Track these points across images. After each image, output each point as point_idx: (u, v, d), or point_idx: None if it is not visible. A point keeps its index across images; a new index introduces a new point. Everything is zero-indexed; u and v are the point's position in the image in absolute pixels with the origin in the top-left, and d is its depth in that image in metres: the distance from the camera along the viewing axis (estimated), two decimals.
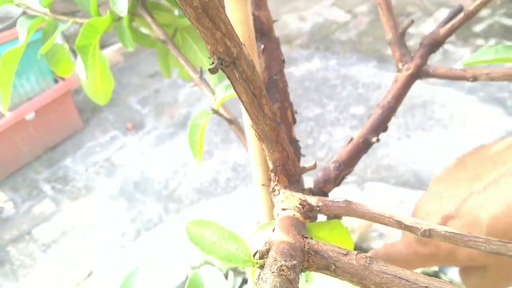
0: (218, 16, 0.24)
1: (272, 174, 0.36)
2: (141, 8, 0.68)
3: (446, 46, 2.17)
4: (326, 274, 0.25)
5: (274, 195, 0.36)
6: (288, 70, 2.18)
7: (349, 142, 0.50)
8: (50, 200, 1.81)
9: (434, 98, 1.93)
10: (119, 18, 0.68)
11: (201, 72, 0.64)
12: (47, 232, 1.70)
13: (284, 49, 2.36)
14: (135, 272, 0.47)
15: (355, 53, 2.23)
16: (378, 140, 0.49)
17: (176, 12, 0.72)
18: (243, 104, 0.30)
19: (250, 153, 0.47)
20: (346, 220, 0.62)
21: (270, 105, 0.30)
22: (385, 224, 0.32)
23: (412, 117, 1.87)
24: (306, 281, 0.34)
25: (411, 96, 1.96)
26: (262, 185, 0.46)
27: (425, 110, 1.89)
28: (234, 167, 1.84)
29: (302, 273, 0.35)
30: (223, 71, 0.27)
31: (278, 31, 2.29)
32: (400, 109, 1.92)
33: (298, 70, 2.19)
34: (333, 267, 0.24)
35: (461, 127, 1.78)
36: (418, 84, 1.95)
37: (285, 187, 0.36)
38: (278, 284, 0.21)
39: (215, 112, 0.60)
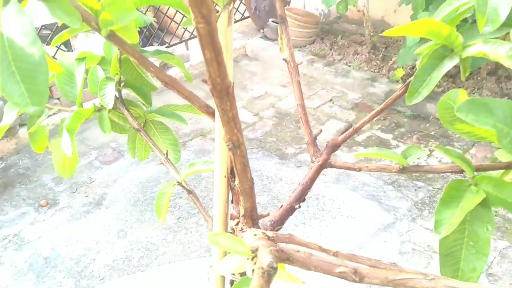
0: (237, 122, 0.46)
1: (242, 218, 0.57)
2: (120, 104, 0.88)
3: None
4: (286, 263, 0.46)
5: (242, 232, 0.57)
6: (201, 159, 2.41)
7: (280, 208, 0.73)
8: None
9: (325, 193, 2.27)
10: (100, 110, 0.88)
11: (166, 154, 0.84)
12: None
13: (198, 141, 2.62)
14: None
15: (260, 150, 2.55)
16: (299, 207, 0.72)
17: (145, 108, 0.93)
18: (236, 171, 0.52)
19: (214, 210, 0.68)
20: None
21: (250, 173, 0.53)
22: (311, 248, 0.55)
23: (307, 208, 2.17)
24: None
25: None
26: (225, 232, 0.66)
27: (318, 202, 2.20)
28: (147, 246, 1.95)
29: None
30: (232, 150, 0.49)
31: (193, 125, 2.53)
32: None
33: None
34: (291, 258, 0.46)
35: (346, 218, 2.11)
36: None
37: (249, 227, 0.57)
38: (272, 257, 0.41)
39: (179, 184, 0.80)
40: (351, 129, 0.75)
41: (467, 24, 0.62)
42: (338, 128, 2.73)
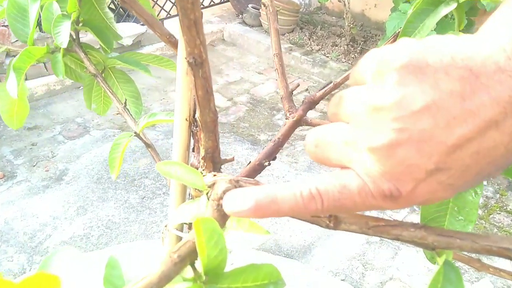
0: (200, 29, 0.39)
1: (202, 161, 0.50)
2: (76, 46, 0.79)
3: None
4: None
5: (203, 177, 0.49)
6: (171, 141, 2.32)
7: (248, 164, 0.65)
8: None
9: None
10: (53, 51, 0.78)
11: (125, 103, 0.76)
12: None
13: None
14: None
15: (233, 134, 2.48)
16: (269, 164, 0.65)
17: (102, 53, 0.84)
18: (197, 98, 0.44)
19: (173, 158, 0.60)
20: None
21: (214, 103, 0.45)
22: None
23: None
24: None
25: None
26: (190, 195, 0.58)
27: None
28: (108, 224, 1.85)
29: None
30: (193, 67, 0.41)
31: (163, 106, 2.42)
32: None
33: None
34: None
35: None
36: (279, 165, 2.20)
37: (210, 171, 0.50)
38: (230, 185, 0.34)
39: (137, 135, 0.72)
40: (331, 85, 0.68)
41: None
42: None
